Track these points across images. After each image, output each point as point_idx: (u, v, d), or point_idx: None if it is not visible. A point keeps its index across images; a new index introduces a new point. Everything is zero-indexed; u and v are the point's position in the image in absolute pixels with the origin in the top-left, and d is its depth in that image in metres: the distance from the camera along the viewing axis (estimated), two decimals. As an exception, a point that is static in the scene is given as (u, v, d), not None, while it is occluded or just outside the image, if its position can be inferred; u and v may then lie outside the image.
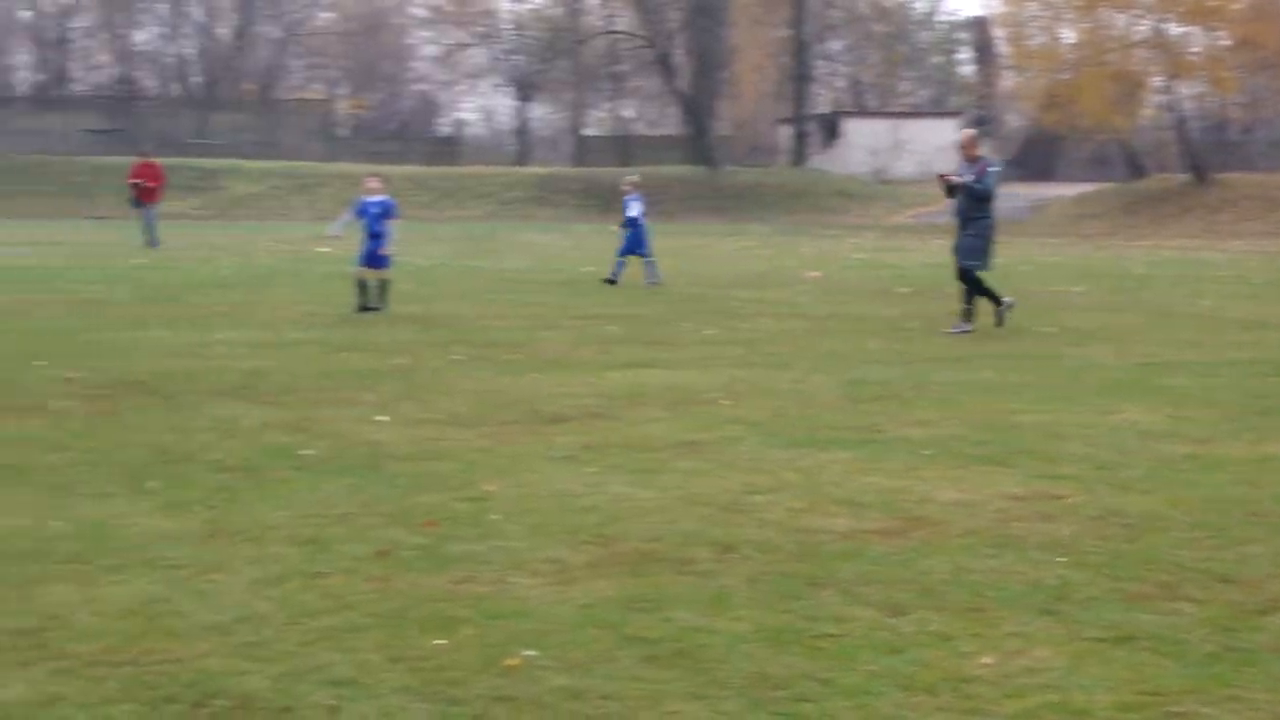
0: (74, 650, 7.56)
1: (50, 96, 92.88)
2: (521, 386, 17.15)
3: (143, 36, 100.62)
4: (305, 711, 6.87)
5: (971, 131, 25.22)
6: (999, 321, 24.02)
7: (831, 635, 7.92)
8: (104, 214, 69.46)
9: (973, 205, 23.63)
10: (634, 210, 33.26)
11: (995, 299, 24.08)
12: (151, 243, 46.29)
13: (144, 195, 47.32)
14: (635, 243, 33.33)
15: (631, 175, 37.03)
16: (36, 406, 15.30)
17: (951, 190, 23.85)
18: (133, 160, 49.98)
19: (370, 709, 6.91)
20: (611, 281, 32.61)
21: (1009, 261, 36.05)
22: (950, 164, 29.16)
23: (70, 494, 11.21)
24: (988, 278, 24.07)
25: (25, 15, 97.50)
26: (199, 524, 10.33)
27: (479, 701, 7.02)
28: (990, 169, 23.54)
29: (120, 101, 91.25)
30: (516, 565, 9.32)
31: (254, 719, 6.78)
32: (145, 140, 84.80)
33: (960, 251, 23.90)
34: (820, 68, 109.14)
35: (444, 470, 12.28)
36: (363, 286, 25.96)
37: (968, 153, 23.85)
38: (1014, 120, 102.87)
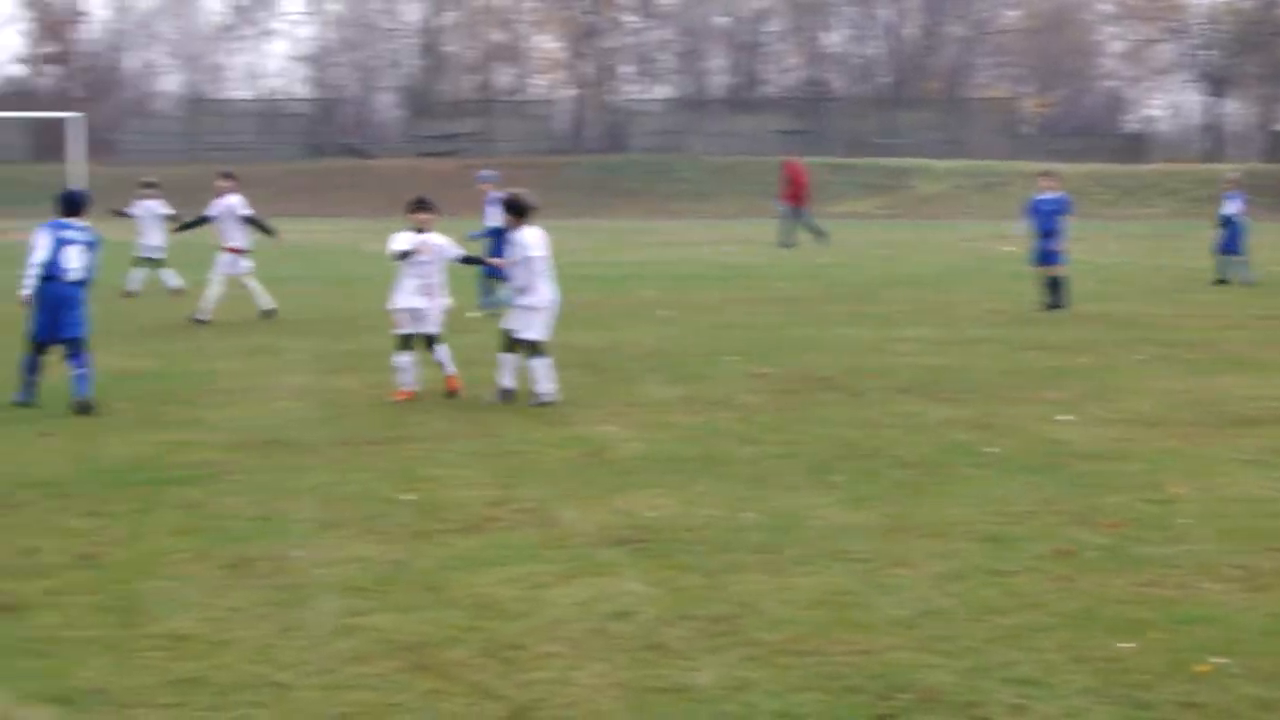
0: (763, 638, 7.81)
1: (743, 99, 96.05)
2: (1208, 387, 16.61)
3: (832, 38, 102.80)
4: (990, 708, 6.88)
5: None
6: None
7: None
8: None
9: None
10: (1231, 208, 32.05)
11: None
12: (785, 243, 46.65)
13: (790, 197, 47.87)
14: (1231, 240, 32.04)
15: (1231, 173, 35.57)
16: (727, 400, 15.88)
17: None
18: (785, 160, 50.41)
19: (1055, 709, 6.86)
20: (1222, 281, 31.49)
21: None
22: None
23: (761, 486, 11.57)
24: None
25: (721, 21, 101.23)
26: (882, 518, 10.49)
27: (1166, 707, 6.87)
28: None
29: (809, 103, 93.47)
30: (1205, 570, 9.07)
31: (938, 713, 6.84)
32: (833, 141, 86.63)
33: None
34: None
35: (1129, 471, 12.04)
36: (1051, 284, 25.74)
37: None
38: None
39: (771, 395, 16.20)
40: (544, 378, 15.58)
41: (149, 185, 30.94)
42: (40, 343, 15.64)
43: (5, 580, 8.87)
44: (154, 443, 13.41)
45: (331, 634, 7.87)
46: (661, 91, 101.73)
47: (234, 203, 24.90)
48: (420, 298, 16.02)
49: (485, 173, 27.30)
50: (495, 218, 25.10)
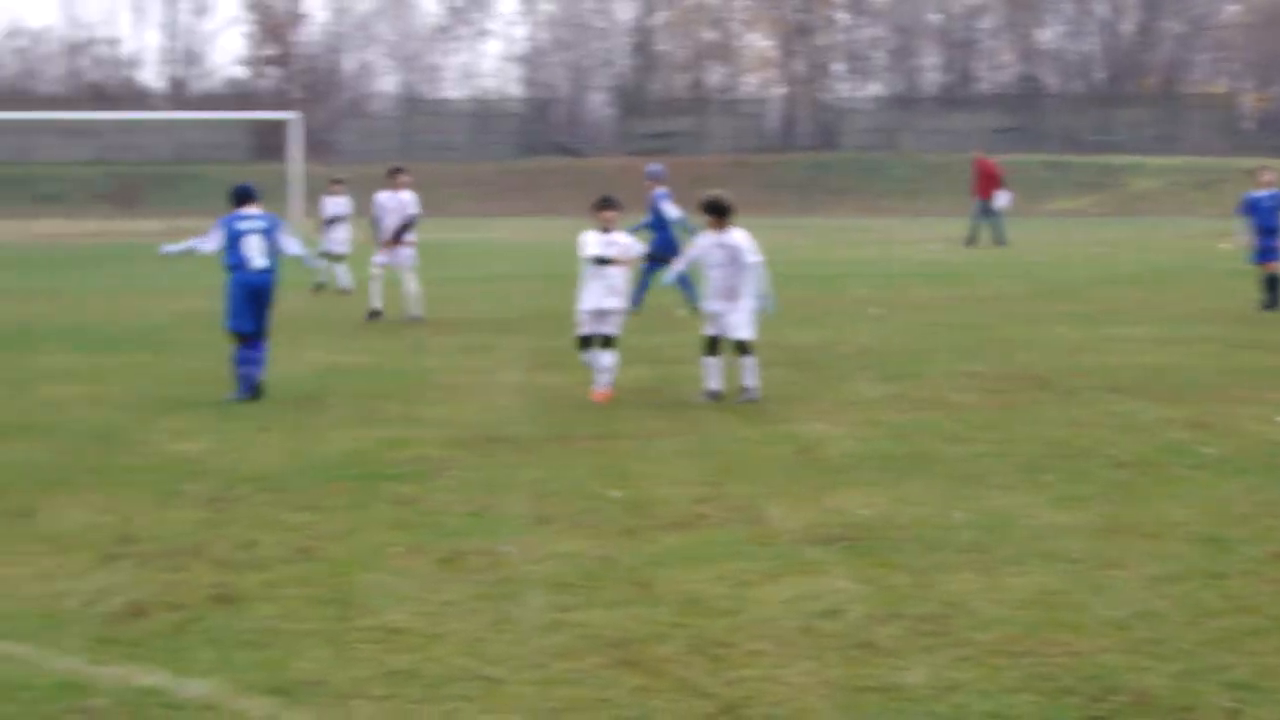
0: (974, 638, 7.73)
1: (956, 96, 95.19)
2: None
3: (1046, 35, 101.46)
4: (1204, 712, 6.75)
5: None
6: None
7: None
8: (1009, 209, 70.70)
9: None
10: None
11: None
12: (970, 240, 46.16)
13: (982, 193, 47.20)
14: None
15: None
16: (937, 399, 15.75)
17: None
18: (977, 157, 49.57)
19: (1271, 714, 6.71)
20: None
21: None
22: None
23: (971, 485, 11.46)
24: None
25: (934, 18, 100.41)
26: (1095, 518, 10.33)
27: (1388, 716, 6.69)
28: None
29: (1022, 99, 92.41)
30: None
31: (1151, 717, 6.73)
32: (1046, 138, 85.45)
33: None
34: None
35: (1352, 474, 11.74)
36: (1270, 282, 25.12)
37: None
38: None
39: (982, 394, 16.04)
40: (751, 375, 15.59)
41: (337, 182, 31.79)
42: (240, 334, 16.08)
43: (224, 573, 9.08)
44: (370, 439, 13.64)
45: (541, 629, 7.95)
46: (873, 89, 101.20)
47: (406, 199, 25.52)
48: (607, 298, 16.01)
49: (653, 167, 27.15)
50: (669, 210, 25.34)
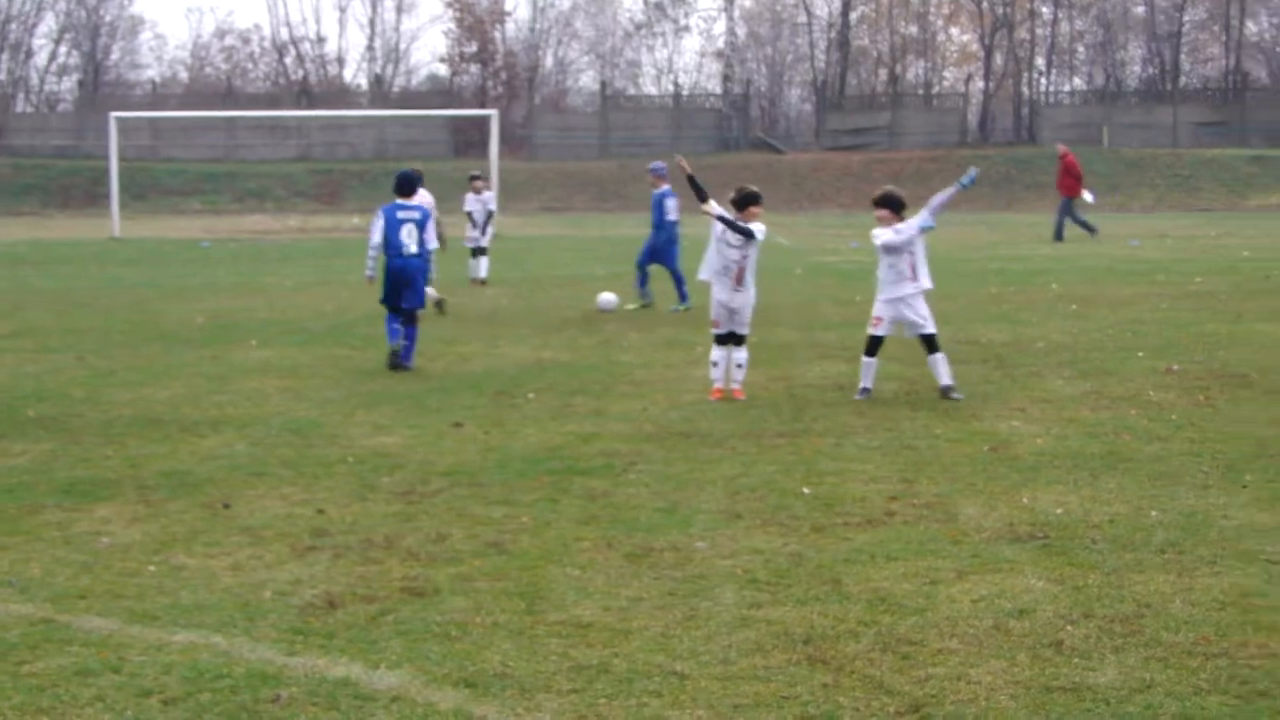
0: (1166, 639, 7.59)
1: (1159, 90, 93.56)
2: None
3: (1255, 27, 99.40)
4: (1405, 721, 6.57)
5: None
6: None
7: None
8: (1209, 207, 69.45)
9: None
10: None
11: None
12: (1057, 235, 45.48)
13: (1066, 187, 46.39)
14: None
15: None
16: (1134, 396, 15.50)
17: None
18: (1063, 151, 48.43)
19: None
20: None
21: None
22: None
23: (1167, 484, 11.26)
24: None
25: (1139, 11, 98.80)
26: (1297, 520, 10.10)
27: None
28: None
29: (1229, 93, 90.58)
30: None
31: (1349, 724, 6.57)
32: (1252, 132, 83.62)
33: None
34: None
35: None
36: None
37: None
38: None
39: (1181, 392, 15.75)
40: (944, 371, 15.52)
41: (476, 178, 32.85)
42: (390, 306, 17.97)
43: (417, 565, 9.20)
44: (563, 433, 13.74)
45: (729, 625, 7.95)
46: (1075, 83, 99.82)
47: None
48: (732, 294, 15.95)
49: (657, 165, 27.05)
50: (669, 211, 25.85)
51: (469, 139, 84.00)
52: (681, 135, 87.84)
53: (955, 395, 15.45)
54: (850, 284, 29.38)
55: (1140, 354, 18.64)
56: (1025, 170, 79.13)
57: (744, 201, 15.84)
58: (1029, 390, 16.00)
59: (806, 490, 11.16)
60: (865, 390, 15.60)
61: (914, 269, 15.54)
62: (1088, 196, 46.59)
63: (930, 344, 15.56)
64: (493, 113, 58.64)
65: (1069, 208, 46.16)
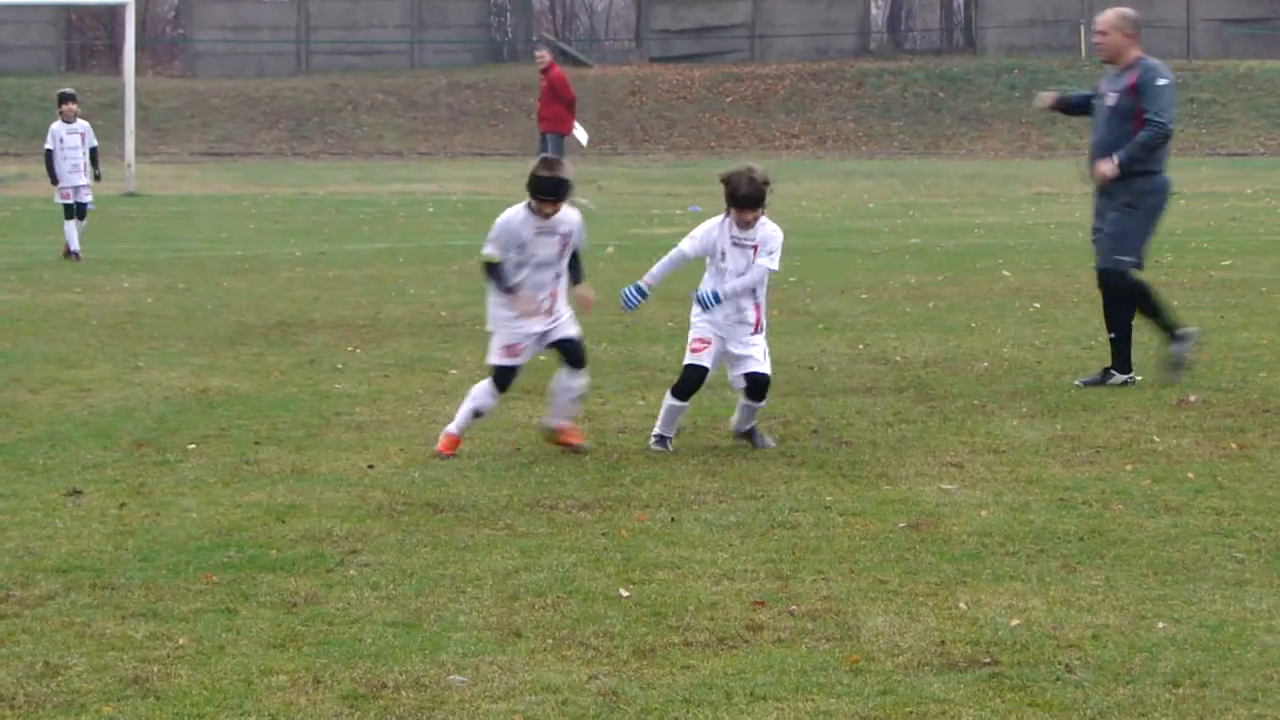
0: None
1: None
2: None
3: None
4: None
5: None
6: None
7: None
8: (1242, 149, 71.09)
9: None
10: None
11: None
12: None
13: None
14: None
15: None
16: (1129, 443, 15.78)
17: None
18: None
19: None
20: None
21: None
22: None
23: (1182, 579, 11.50)
24: None
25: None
26: None
27: None
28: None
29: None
30: None
31: None
32: None
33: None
34: None
35: None
36: None
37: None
38: None
39: (1201, 436, 16.01)
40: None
41: (68, 99, 34.80)
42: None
43: (12, 717, 9.07)
44: (242, 506, 13.71)
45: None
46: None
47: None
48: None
49: None
50: None
51: (89, 45, 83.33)
52: (425, 40, 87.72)
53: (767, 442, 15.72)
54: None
55: (1138, 377, 18.88)
56: (959, 94, 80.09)
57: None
58: (968, 435, 16.19)
59: (625, 593, 11.19)
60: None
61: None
62: (580, 134, 48.08)
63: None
64: (126, 1, 58.22)
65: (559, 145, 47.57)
